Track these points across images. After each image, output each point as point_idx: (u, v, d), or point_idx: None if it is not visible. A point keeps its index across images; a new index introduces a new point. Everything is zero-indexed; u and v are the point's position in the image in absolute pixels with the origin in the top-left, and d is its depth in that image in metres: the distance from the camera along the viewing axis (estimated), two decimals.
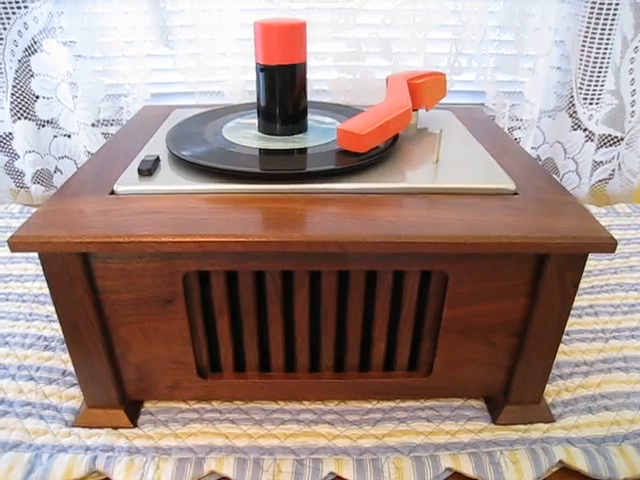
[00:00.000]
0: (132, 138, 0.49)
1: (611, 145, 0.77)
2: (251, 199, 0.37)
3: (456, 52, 0.72)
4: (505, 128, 0.76)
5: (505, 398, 0.42)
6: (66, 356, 0.47)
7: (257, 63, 0.43)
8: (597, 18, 0.67)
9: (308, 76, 0.46)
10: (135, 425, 0.41)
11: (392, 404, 0.43)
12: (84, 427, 0.41)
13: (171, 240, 0.32)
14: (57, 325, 0.51)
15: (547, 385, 0.44)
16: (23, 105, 0.70)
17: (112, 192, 0.38)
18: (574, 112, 0.74)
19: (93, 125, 0.73)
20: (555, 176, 0.80)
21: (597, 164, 0.78)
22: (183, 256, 0.35)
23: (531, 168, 0.43)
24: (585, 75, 0.71)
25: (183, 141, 0.44)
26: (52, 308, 0.53)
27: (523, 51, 0.71)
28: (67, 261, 0.34)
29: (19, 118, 0.71)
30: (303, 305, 0.38)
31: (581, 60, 0.71)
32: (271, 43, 0.42)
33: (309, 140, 0.44)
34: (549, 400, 0.43)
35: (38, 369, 0.46)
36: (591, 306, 0.55)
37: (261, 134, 0.46)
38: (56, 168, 0.76)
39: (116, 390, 0.40)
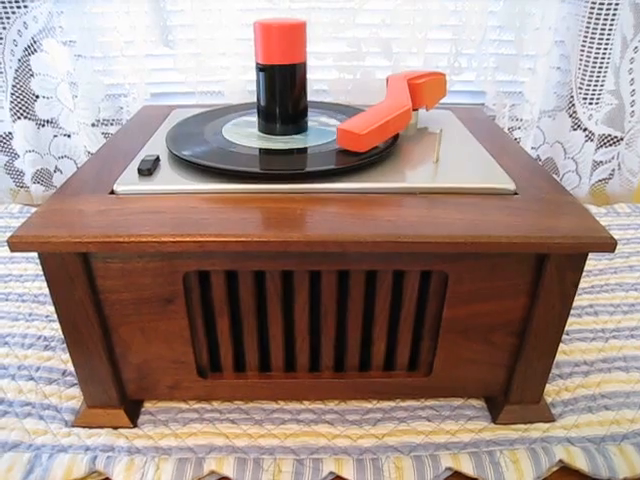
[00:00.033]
0: (132, 138, 0.49)
1: (611, 145, 0.77)
2: (251, 199, 0.37)
3: (456, 52, 0.72)
4: (505, 128, 0.76)
5: (505, 398, 0.42)
6: (66, 356, 0.47)
7: (257, 63, 0.43)
8: (597, 18, 0.67)
9: (308, 76, 0.46)
10: (135, 425, 0.41)
11: (392, 404, 0.43)
12: (84, 427, 0.41)
13: (171, 240, 0.32)
14: (57, 325, 0.51)
15: (547, 385, 0.44)
16: (23, 105, 0.70)
17: (112, 192, 0.38)
18: (574, 112, 0.74)
19: (93, 125, 0.73)
20: (555, 176, 0.80)
21: (597, 164, 0.79)
22: (183, 256, 0.35)
23: (531, 168, 0.43)
24: (585, 75, 0.71)
25: (183, 141, 0.44)
26: (52, 308, 0.53)
27: (523, 51, 0.71)
28: (67, 261, 0.34)
29: (19, 118, 0.71)
30: (303, 305, 0.38)
31: (581, 60, 0.71)
32: (271, 43, 0.42)
33: (309, 140, 0.44)
34: (549, 400, 0.43)
35: (38, 369, 0.46)
36: (591, 306, 0.55)
37: (261, 134, 0.46)
38: (56, 168, 0.76)
39: (116, 390, 0.40)
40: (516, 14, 0.69)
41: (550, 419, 0.42)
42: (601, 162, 0.78)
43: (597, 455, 0.38)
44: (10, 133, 0.73)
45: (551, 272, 0.35)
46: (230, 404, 0.43)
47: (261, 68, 0.43)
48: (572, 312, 0.53)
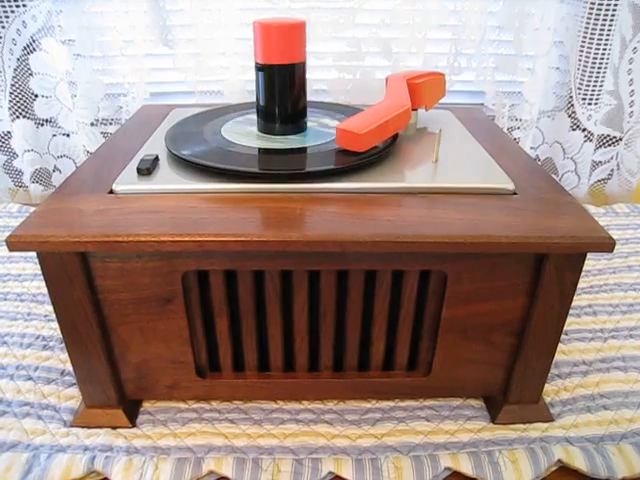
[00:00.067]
0: (131, 137, 0.48)
1: (610, 145, 0.77)
2: (250, 198, 0.37)
3: (455, 52, 0.72)
4: (504, 128, 0.76)
5: (504, 398, 0.42)
6: (65, 356, 0.47)
7: (256, 62, 0.43)
8: (596, 19, 0.67)
9: (308, 76, 0.45)
10: (134, 425, 0.41)
11: (391, 404, 0.43)
12: (82, 427, 0.41)
13: (170, 239, 0.32)
14: (55, 325, 0.51)
15: (546, 385, 0.44)
16: (22, 104, 0.70)
17: (111, 191, 0.38)
18: (573, 112, 0.74)
19: (92, 124, 0.73)
20: (554, 176, 0.80)
21: (596, 164, 0.79)
22: (182, 255, 0.35)
23: (530, 168, 0.43)
24: (584, 75, 0.71)
25: (182, 140, 0.44)
26: (50, 307, 0.53)
27: (522, 51, 0.71)
28: (66, 260, 0.34)
29: (18, 117, 0.70)
30: (302, 305, 0.38)
31: (580, 60, 0.71)
32: (270, 42, 0.42)
33: (308, 140, 0.44)
34: (548, 399, 0.44)
35: (36, 369, 0.46)
36: (590, 306, 0.55)
37: (260, 133, 0.46)
38: (55, 167, 0.76)
39: (115, 390, 0.40)
40: (515, 14, 0.69)
41: (549, 419, 0.42)
42: (600, 162, 0.78)
43: (596, 455, 0.38)
44: (9, 132, 0.73)
45: (550, 272, 0.35)
46: (229, 404, 0.43)
47: (260, 68, 0.43)
48: (571, 312, 0.54)
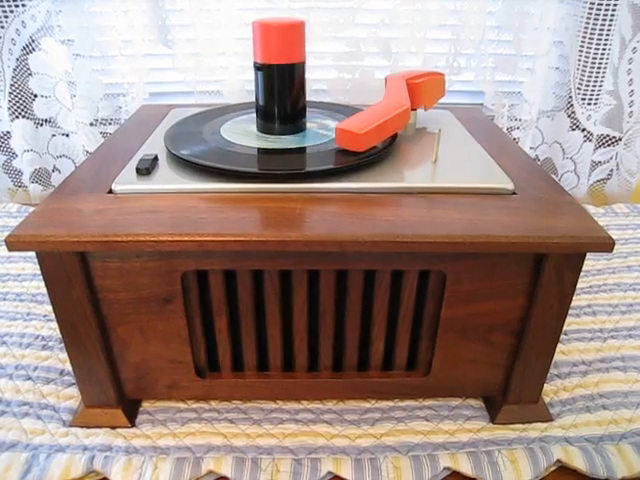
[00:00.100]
0: (130, 137, 0.48)
1: (609, 145, 0.77)
2: (250, 198, 0.37)
3: (455, 52, 0.72)
4: (504, 128, 0.76)
5: (503, 397, 0.42)
6: (64, 356, 0.47)
7: (256, 62, 0.43)
8: (595, 19, 0.67)
9: (307, 76, 0.45)
10: (133, 425, 0.41)
11: (390, 403, 0.43)
12: (82, 427, 0.41)
13: (169, 239, 0.32)
14: (55, 324, 0.51)
15: (545, 384, 0.44)
16: (21, 104, 0.70)
17: (110, 191, 0.38)
18: (572, 112, 0.74)
19: (91, 124, 0.73)
20: (553, 176, 0.80)
21: (595, 164, 0.79)
22: (181, 255, 0.35)
23: (530, 168, 0.43)
24: (583, 75, 0.71)
25: (181, 140, 0.44)
26: (50, 307, 0.53)
27: (522, 51, 0.71)
28: (65, 260, 0.34)
29: (17, 117, 0.70)
30: (301, 304, 0.38)
31: (579, 60, 0.71)
32: (270, 42, 0.42)
33: (308, 139, 0.44)
34: (547, 399, 0.44)
35: (36, 369, 0.46)
36: (589, 306, 0.55)
37: (260, 133, 0.46)
38: (54, 167, 0.76)
39: (114, 390, 0.40)
40: (515, 14, 0.69)
41: (548, 419, 0.42)
42: (599, 162, 0.78)
43: (595, 455, 0.38)
44: (8, 132, 0.73)
45: (549, 272, 0.35)
46: (228, 404, 0.43)
47: (260, 68, 0.43)
48: (570, 312, 0.54)
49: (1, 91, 0.69)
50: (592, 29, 0.68)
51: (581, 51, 0.70)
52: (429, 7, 0.68)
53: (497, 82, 0.74)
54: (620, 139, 0.76)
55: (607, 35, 0.68)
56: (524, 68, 0.72)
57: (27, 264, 0.60)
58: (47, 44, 0.67)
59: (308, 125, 0.47)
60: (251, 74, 0.45)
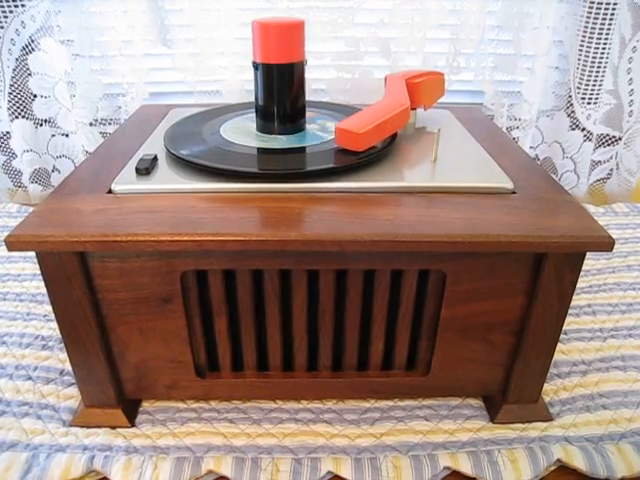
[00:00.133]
0: (130, 137, 0.48)
1: (609, 145, 0.77)
2: (249, 198, 0.37)
3: (455, 52, 0.72)
4: (503, 128, 0.76)
5: (503, 397, 0.42)
6: (64, 355, 0.47)
7: (255, 62, 0.43)
8: (595, 18, 0.67)
9: (306, 75, 0.45)
10: (133, 424, 0.41)
11: (390, 403, 0.43)
12: (82, 427, 0.41)
13: (169, 239, 0.32)
14: (55, 324, 0.51)
15: (545, 384, 0.44)
16: (21, 104, 0.70)
17: (110, 191, 0.38)
18: (572, 112, 0.74)
19: (91, 124, 0.73)
20: (553, 175, 0.80)
21: (595, 164, 0.79)
22: (181, 255, 0.35)
23: (529, 167, 0.43)
24: (583, 75, 0.71)
25: (181, 140, 0.44)
26: (50, 307, 0.53)
27: (521, 51, 0.71)
28: (64, 260, 0.34)
29: (17, 117, 0.70)
30: (301, 304, 0.38)
31: (579, 60, 0.71)
32: (269, 42, 0.42)
33: (307, 139, 0.44)
34: (547, 399, 0.44)
35: (36, 369, 0.46)
36: (589, 305, 0.55)
37: (259, 133, 0.46)
38: (54, 167, 0.76)
39: (114, 389, 0.40)
40: (514, 14, 0.69)
41: (548, 418, 0.42)
42: (599, 162, 0.78)
43: (595, 454, 0.38)
44: (8, 132, 0.73)
45: (549, 271, 0.35)
46: (228, 403, 0.43)
47: (259, 67, 0.43)
48: (570, 312, 0.54)
49: (1, 91, 0.69)
50: (592, 28, 0.68)
51: (581, 50, 0.70)
52: (428, 7, 0.68)
53: (497, 82, 0.74)
54: (620, 138, 0.76)
55: (607, 34, 0.68)
56: (524, 67, 0.72)
57: (27, 264, 0.60)
58: (47, 44, 0.67)
59: (307, 125, 0.47)
60: (250, 74, 0.45)
